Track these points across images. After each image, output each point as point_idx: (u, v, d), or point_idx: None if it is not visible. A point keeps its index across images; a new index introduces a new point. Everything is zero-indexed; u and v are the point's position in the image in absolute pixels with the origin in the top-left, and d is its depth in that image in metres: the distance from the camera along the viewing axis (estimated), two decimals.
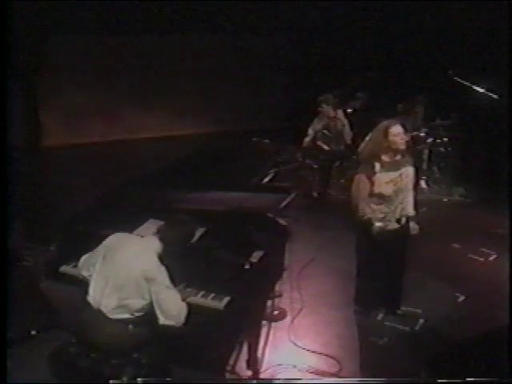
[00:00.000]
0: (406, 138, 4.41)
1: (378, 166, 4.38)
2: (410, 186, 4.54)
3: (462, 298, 5.18)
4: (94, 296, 3.38)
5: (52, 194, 6.97)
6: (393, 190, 4.40)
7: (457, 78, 6.92)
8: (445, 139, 7.86)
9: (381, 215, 4.46)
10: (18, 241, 5.21)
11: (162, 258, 3.38)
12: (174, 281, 3.50)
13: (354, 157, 7.38)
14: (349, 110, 7.99)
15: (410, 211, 4.57)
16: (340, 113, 7.42)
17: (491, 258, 5.97)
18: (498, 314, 4.29)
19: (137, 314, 3.35)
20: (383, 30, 9.15)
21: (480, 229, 6.61)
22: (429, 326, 4.74)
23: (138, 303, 3.32)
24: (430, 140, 7.75)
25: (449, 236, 6.37)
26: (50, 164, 7.79)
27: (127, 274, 3.29)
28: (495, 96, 6.88)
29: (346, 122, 7.36)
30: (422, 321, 4.80)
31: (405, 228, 4.56)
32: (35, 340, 4.33)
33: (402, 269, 4.78)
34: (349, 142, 7.32)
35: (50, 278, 4.01)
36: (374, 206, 4.45)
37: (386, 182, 4.38)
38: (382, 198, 4.43)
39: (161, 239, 3.41)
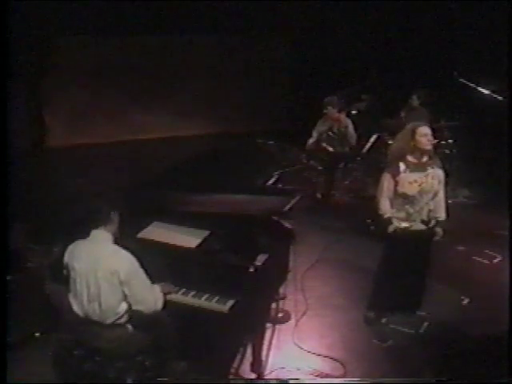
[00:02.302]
0: (433, 139, 4.42)
1: (402, 165, 4.42)
2: (439, 188, 4.52)
3: (466, 301, 5.16)
4: (78, 310, 3.37)
5: (55, 194, 6.97)
6: (417, 190, 4.40)
7: (462, 80, 6.89)
8: (449, 141, 7.82)
9: (405, 215, 4.47)
10: (21, 242, 5.20)
11: (118, 242, 3.34)
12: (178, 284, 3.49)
13: (359, 158, 7.40)
14: (353, 112, 7.97)
15: (442, 215, 4.58)
16: (343, 115, 7.40)
17: (496, 261, 5.94)
18: (502, 316, 4.26)
19: (123, 308, 3.31)
20: (387, 32, 9.13)
21: (485, 231, 6.57)
22: (433, 329, 4.71)
23: (117, 298, 3.28)
24: (434, 142, 7.70)
25: (454, 238, 6.30)
26: (52, 164, 7.80)
27: (95, 278, 3.25)
28: (500, 97, 6.84)
29: (349, 123, 7.33)
30: (426, 324, 4.77)
31: (431, 230, 4.57)
32: (38, 342, 4.32)
33: (426, 270, 4.77)
34: (353, 143, 7.29)
35: (54, 279, 3.98)
36: (399, 206, 4.47)
37: (410, 182, 4.39)
38: (406, 198, 4.44)
39: (101, 228, 3.35)
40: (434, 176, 4.47)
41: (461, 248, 6.21)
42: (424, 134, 4.37)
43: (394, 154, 4.53)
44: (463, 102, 7.63)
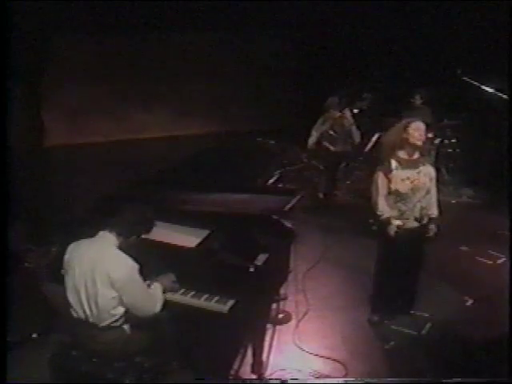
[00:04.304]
0: (425, 136, 4.40)
1: (394, 163, 4.41)
2: (431, 185, 4.51)
3: (469, 302, 5.11)
4: (76, 310, 3.31)
5: (54, 194, 6.94)
6: (409, 187, 4.39)
7: (465, 78, 6.83)
8: (453, 140, 7.79)
9: (398, 213, 4.45)
10: (19, 242, 5.17)
11: (122, 248, 3.27)
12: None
13: (360, 158, 7.36)
14: (355, 111, 7.93)
15: (434, 212, 4.55)
16: (347, 112, 7.36)
17: (500, 261, 5.89)
18: (505, 317, 4.20)
19: (119, 311, 3.27)
20: (390, 30, 9.09)
21: (488, 231, 6.53)
22: (436, 330, 4.67)
23: (113, 301, 3.23)
24: (437, 141, 7.68)
25: (457, 238, 6.29)
26: (51, 164, 7.76)
27: (93, 278, 3.19)
28: (504, 96, 6.78)
29: (353, 121, 7.29)
30: (429, 325, 4.73)
31: (425, 228, 4.54)
32: (36, 343, 4.28)
33: (418, 270, 4.74)
34: (357, 141, 7.24)
35: (52, 280, 3.94)
36: (392, 204, 4.45)
37: (402, 179, 4.38)
38: (398, 196, 4.42)
39: (111, 231, 3.28)
40: (426, 173, 4.46)
41: (464, 248, 6.18)
42: (417, 129, 4.35)
43: (386, 149, 4.51)
44: (466, 100, 7.58)
